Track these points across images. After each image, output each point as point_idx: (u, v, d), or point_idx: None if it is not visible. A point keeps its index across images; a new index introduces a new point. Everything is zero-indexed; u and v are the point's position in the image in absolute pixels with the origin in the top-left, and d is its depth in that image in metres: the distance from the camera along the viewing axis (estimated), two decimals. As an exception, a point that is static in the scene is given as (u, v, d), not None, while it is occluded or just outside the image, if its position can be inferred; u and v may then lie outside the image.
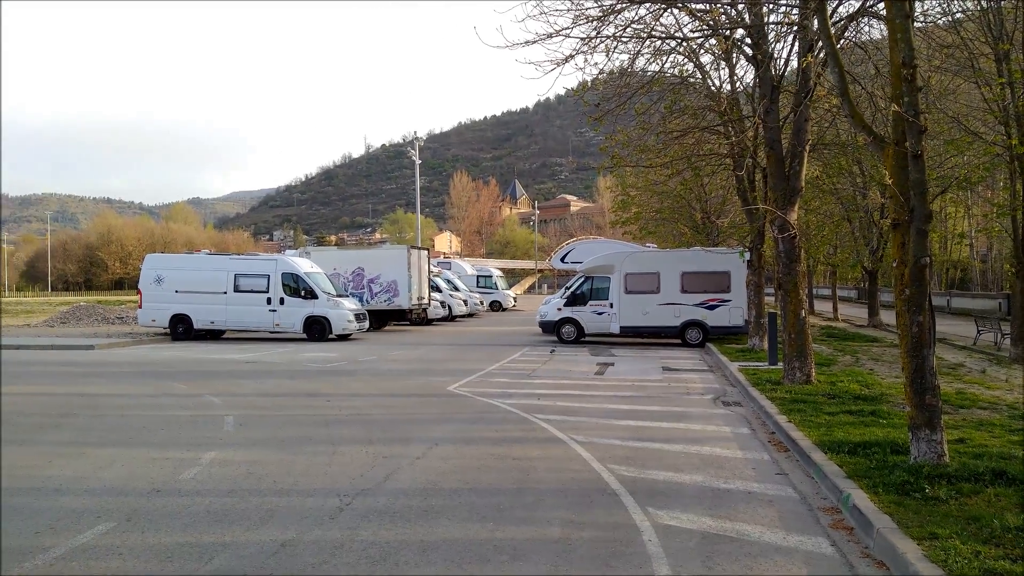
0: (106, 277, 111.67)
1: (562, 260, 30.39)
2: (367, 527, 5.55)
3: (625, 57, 16.06)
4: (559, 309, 23.25)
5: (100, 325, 31.57)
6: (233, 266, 24.58)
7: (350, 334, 24.45)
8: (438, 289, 34.19)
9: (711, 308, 21.69)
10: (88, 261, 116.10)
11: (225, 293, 23.98)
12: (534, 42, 14.32)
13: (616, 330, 22.19)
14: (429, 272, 31.40)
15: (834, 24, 9.97)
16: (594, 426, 9.54)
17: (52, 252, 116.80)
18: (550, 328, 23.53)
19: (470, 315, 38.40)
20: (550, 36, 14.62)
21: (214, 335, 25.03)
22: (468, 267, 47.57)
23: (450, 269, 42.79)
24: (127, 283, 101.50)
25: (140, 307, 25.06)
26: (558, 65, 14.95)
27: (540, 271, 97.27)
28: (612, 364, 17.23)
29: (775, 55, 14.24)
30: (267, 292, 23.91)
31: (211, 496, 6.39)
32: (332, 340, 23.69)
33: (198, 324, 24.20)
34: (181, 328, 24.22)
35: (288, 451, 8.17)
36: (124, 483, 6.84)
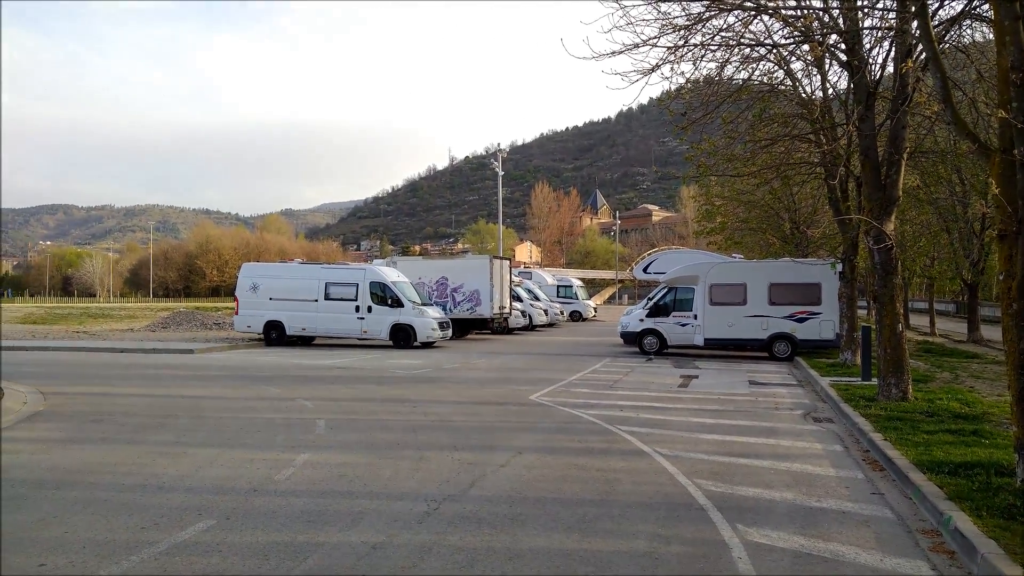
0: (204, 284, 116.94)
1: (644, 270, 30.08)
2: (455, 532, 5.65)
3: (713, 65, 15.85)
4: (641, 320, 23.03)
5: (198, 330, 33.07)
6: (324, 275, 25.41)
7: (434, 342, 24.86)
8: (519, 299, 34.40)
9: (800, 321, 21.07)
10: (187, 269, 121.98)
11: (316, 301, 24.81)
12: (620, 52, 14.33)
13: (700, 342, 21.81)
14: (511, 282, 31.63)
15: (934, 28, 9.59)
16: (679, 439, 9.41)
17: (154, 260, 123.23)
18: (632, 339, 23.33)
19: (550, 325, 38.45)
20: (636, 46, 14.59)
21: (305, 341, 25.89)
22: (548, 277, 47.65)
23: (531, 279, 42.95)
24: (223, 290, 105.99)
25: (236, 313, 26.17)
26: (644, 75, 14.88)
27: (620, 281, 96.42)
28: (696, 377, 16.94)
29: (870, 60, 13.76)
30: (356, 300, 24.61)
31: (304, 497, 6.62)
32: (416, 348, 24.15)
33: (290, 330, 25.10)
34: (274, 334, 25.18)
35: (377, 455, 8.38)
36: (223, 482, 7.16)
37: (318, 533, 5.62)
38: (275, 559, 5.08)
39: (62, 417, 10.99)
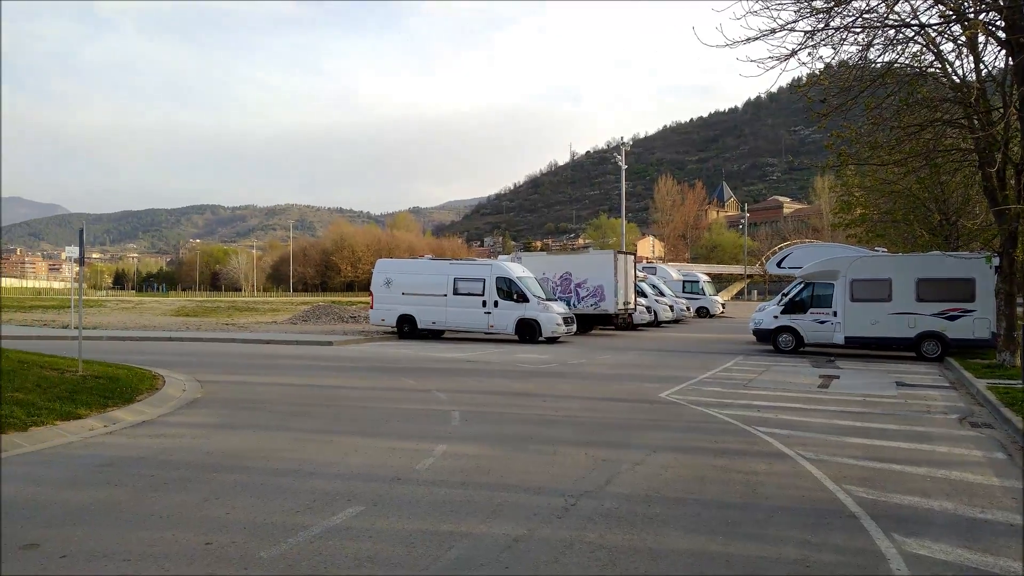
0: (338, 280, 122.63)
1: (778, 265, 28.82)
2: (594, 529, 5.63)
3: (854, 49, 15.07)
4: (775, 317, 22.18)
5: (335, 323, 34.66)
6: (453, 271, 26.06)
7: (558, 337, 24.95)
8: (643, 294, 33.93)
9: (951, 319, 19.65)
10: (324, 265, 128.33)
11: (445, 296, 25.49)
12: (756, 38, 13.87)
13: (840, 340, 20.74)
14: (635, 277, 31.25)
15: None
16: (823, 442, 8.99)
17: (293, 257, 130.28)
18: (765, 336, 22.53)
19: (676, 321, 37.72)
20: (772, 32, 14.10)
21: (435, 334, 26.65)
22: (673, 272, 46.74)
23: (655, 274, 42.28)
24: (357, 285, 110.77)
25: (371, 307, 27.29)
26: (781, 61, 14.34)
27: (749, 277, 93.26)
28: (837, 377, 16.13)
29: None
30: (483, 295, 25.07)
31: (445, 487, 6.80)
32: (541, 342, 24.31)
33: (421, 324, 25.92)
34: (407, 327, 26.08)
35: (511, 448, 8.49)
36: (368, 470, 7.45)
37: (460, 523, 5.75)
38: (421, 547, 5.23)
39: (217, 404, 11.78)
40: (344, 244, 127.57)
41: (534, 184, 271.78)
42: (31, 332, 26.89)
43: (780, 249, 50.46)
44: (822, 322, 21.19)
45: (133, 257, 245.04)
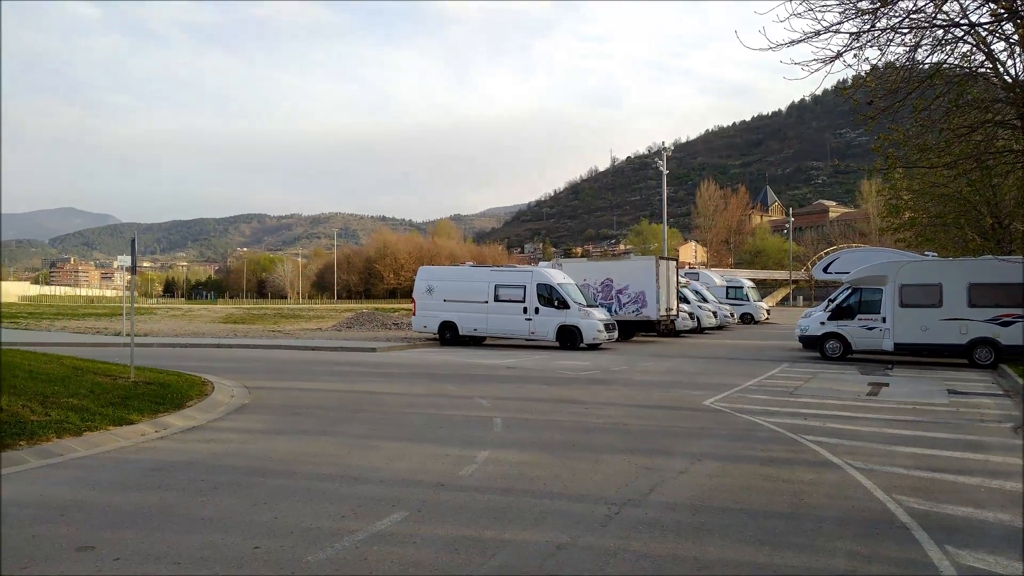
0: (381, 287, 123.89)
1: (825, 270, 28.29)
2: (638, 538, 5.60)
3: (901, 50, 14.77)
4: (822, 323, 21.80)
5: (379, 330, 35.01)
6: (494, 277, 26.16)
7: (599, 344, 24.85)
8: (686, 300, 33.62)
9: (1005, 325, 19.07)
10: (367, 272, 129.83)
11: (486, 303, 25.59)
12: (799, 41, 13.69)
13: (889, 347, 20.28)
14: (677, 283, 30.99)
15: None
16: (872, 451, 8.81)
17: (337, 264, 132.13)
18: (812, 343, 22.14)
19: (720, 327, 37.28)
20: (817, 34, 13.90)
21: (476, 341, 26.76)
22: (717, 278, 46.24)
23: (698, 280, 41.88)
24: (399, 292, 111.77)
25: (414, 314, 27.52)
26: (825, 63, 14.13)
27: (794, 282, 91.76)
28: (886, 384, 15.78)
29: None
30: (523, 302, 25.11)
31: (488, 494, 6.83)
32: (582, 349, 24.25)
33: (463, 331, 26.05)
34: (448, 334, 26.25)
35: (553, 455, 8.49)
36: (412, 475, 7.52)
37: (504, 530, 5.77)
38: (465, 553, 5.27)
39: (264, 410, 11.99)
40: (387, 252, 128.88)
41: (574, 190, 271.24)
42: (84, 339, 27.69)
43: (826, 254, 49.59)
44: (870, 328, 20.77)
45: (183, 265, 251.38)
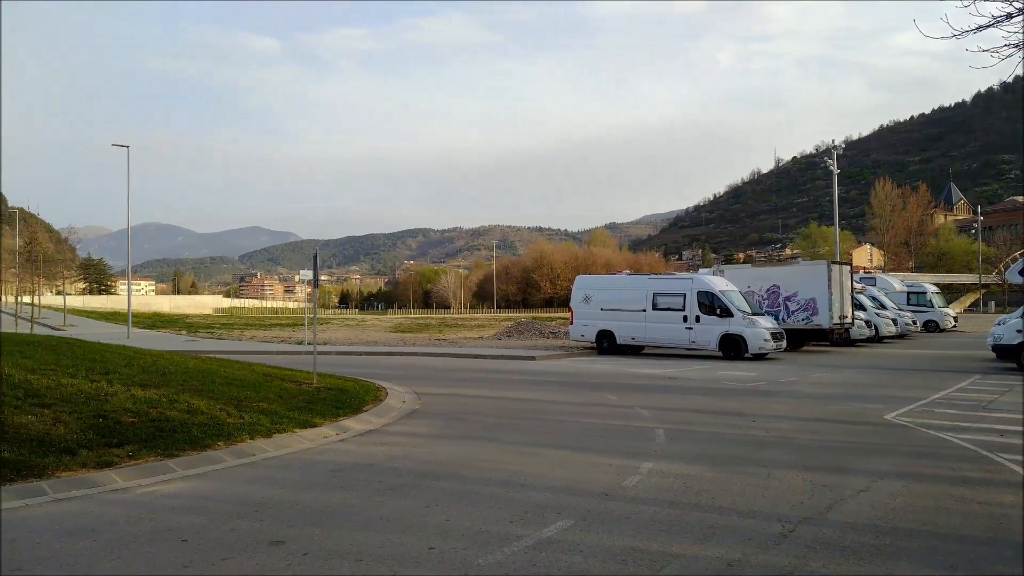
0: (538, 296, 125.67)
1: (1020, 273, 25.61)
2: (816, 558, 5.32)
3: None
4: (1019, 331, 19.73)
5: (537, 339, 35.47)
6: (651, 285, 25.77)
7: (766, 353, 23.83)
8: (862, 307, 31.51)
9: None
10: (524, 282, 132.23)
11: (644, 311, 25.26)
12: (988, 26, 12.52)
13: (1103, 358, 18.02)
14: (852, 289, 29.12)
15: None
16: (1088, 475, 7.86)
17: (496, 275, 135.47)
18: (1007, 353, 20.09)
19: (900, 336, 34.65)
20: (1008, 17, 12.67)
21: (634, 350, 26.47)
22: (896, 282, 43.06)
23: (875, 285, 39.18)
24: (556, 301, 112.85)
25: (571, 323, 27.65)
26: (1018, 48, 12.84)
27: (985, 286, 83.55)
28: (1103, 400, 14.01)
29: None
30: (683, 310, 24.56)
31: (653, 506, 6.73)
32: (747, 359, 23.34)
33: (620, 340, 25.85)
34: (606, 343, 26.15)
35: (720, 468, 8.24)
36: (575, 484, 7.55)
37: (671, 543, 5.66)
38: (633, 565, 5.22)
39: (432, 415, 12.49)
40: (543, 261, 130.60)
41: (735, 194, 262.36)
42: (271, 348, 30.07)
43: (1021, 255, 44.80)
44: (1081, 337, 18.55)
45: (356, 278, 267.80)
